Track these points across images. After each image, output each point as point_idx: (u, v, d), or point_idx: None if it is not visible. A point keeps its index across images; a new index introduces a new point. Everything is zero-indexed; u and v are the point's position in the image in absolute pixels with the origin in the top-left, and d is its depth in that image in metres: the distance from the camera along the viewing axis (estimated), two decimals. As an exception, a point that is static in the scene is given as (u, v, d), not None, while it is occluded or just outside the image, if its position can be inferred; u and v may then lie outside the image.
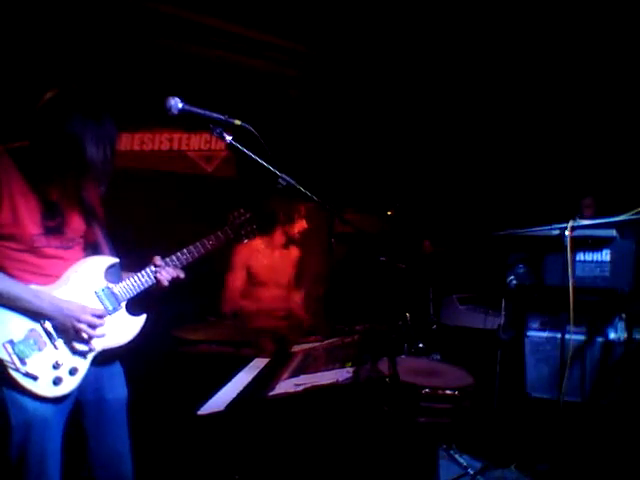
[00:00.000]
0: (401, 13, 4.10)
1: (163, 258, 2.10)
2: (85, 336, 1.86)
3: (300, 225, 3.61)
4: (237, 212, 2.30)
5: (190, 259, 2.12)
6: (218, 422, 2.28)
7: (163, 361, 3.00)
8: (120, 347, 1.98)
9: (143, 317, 2.04)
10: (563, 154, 4.38)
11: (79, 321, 1.84)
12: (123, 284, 2.01)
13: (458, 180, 4.89)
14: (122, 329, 1.99)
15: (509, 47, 4.20)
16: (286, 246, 3.69)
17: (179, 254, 2.11)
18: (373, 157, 5.10)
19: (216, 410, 2.21)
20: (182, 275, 2.08)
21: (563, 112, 4.34)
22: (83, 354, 1.89)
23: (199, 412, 2.22)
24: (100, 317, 1.91)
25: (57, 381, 1.81)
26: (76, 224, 1.97)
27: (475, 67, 4.47)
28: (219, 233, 2.20)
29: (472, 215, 4.61)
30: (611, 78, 4.04)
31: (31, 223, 1.82)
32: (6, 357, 1.73)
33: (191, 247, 2.13)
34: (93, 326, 1.87)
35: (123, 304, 2.01)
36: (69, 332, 1.85)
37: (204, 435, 2.52)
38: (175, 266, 2.09)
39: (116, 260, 2.04)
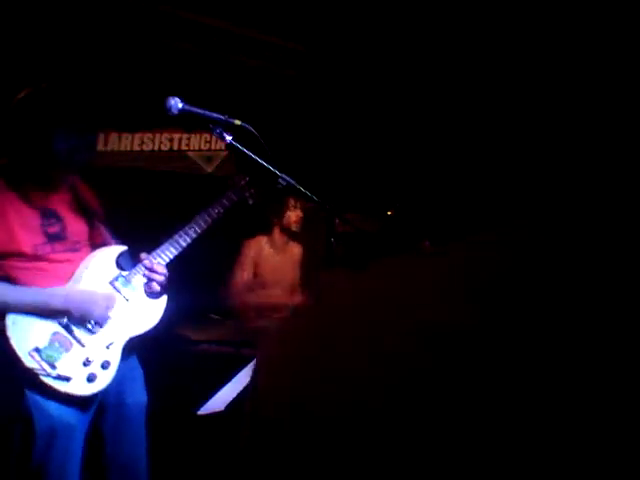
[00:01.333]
0: (401, 12, 4.10)
1: (171, 236, 2.07)
2: (102, 321, 1.86)
3: (295, 215, 3.57)
4: (236, 177, 2.28)
5: (199, 231, 2.09)
6: (218, 422, 2.28)
7: (163, 361, 3.00)
8: (146, 333, 1.97)
9: (164, 298, 2.03)
10: (563, 154, 4.38)
11: (96, 305, 1.84)
12: (136, 270, 2.00)
13: (458, 180, 4.88)
14: (145, 314, 1.98)
15: (509, 47, 4.20)
16: (287, 243, 3.66)
17: (187, 228, 2.08)
18: (373, 157, 5.09)
19: (216, 410, 2.21)
20: (167, 273, 2.05)
21: (562, 112, 4.34)
22: (112, 346, 1.88)
23: (199, 412, 2.22)
24: (112, 299, 1.91)
25: (91, 378, 1.80)
26: (77, 226, 1.97)
27: (475, 66, 4.46)
28: (223, 200, 2.18)
29: (472, 215, 4.61)
30: (611, 78, 4.04)
31: (31, 234, 1.82)
32: (35, 365, 1.71)
33: (197, 219, 2.10)
34: (108, 308, 1.87)
35: (141, 289, 2.00)
36: (89, 320, 1.85)
37: (204, 435, 2.52)
38: (177, 246, 2.06)
39: (124, 247, 2.02)
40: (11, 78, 3.53)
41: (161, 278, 2.00)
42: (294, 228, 3.59)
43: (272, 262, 3.58)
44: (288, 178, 1.83)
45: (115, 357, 1.88)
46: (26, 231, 1.82)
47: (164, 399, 2.81)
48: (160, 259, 2.02)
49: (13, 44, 3.60)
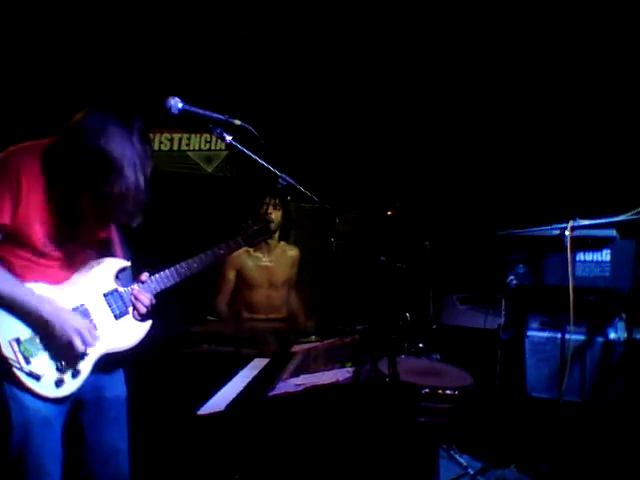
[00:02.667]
0: (400, 11, 4.10)
1: (177, 263, 2.07)
2: (76, 351, 1.81)
3: (275, 215, 3.48)
4: (250, 221, 2.30)
5: (201, 267, 2.11)
6: (218, 422, 2.29)
7: (163, 361, 3.00)
8: (123, 351, 1.97)
9: (148, 323, 2.03)
10: (563, 154, 4.38)
11: (78, 334, 1.79)
12: (131, 289, 2.00)
13: (458, 180, 4.89)
14: (127, 333, 1.98)
15: (509, 46, 4.20)
16: (270, 243, 3.62)
17: (190, 261, 2.10)
18: (373, 157, 5.10)
19: (216, 410, 2.21)
20: (153, 301, 2.04)
21: (562, 112, 4.34)
22: (87, 357, 1.87)
23: (199, 412, 2.22)
24: (95, 338, 1.86)
25: (59, 383, 1.80)
26: (91, 228, 1.95)
27: (474, 67, 4.46)
28: (231, 242, 2.20)
29: (472, 215, 4.61)
30: (611, 78, 4.04)
31: (45, 225, 1.80)
32: (11, 355, 1.72)
33: (202, 255, 2.12)
34: (85, 344, 1.81)
35: (130, 309, 2.00)
36: (61, 341, 1.79)
37: (204, 435, 2.52)
38: (172, 278, 2.06)
39: (127, 263, 2.02)
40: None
41: (143, 309, 2.00)
42: (274, 228, 3.56)
43: (256, 263, 3.57)
44: (288, 178, 1.83)
45: (86, 368, 1.87)
46: (42, 221, 1.79)
47: (164, 399, 2.82)
48: (156, 285, 2.03)
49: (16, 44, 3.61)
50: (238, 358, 2.73)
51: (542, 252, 3.02)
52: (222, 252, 2.16)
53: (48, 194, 1.80)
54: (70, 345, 1.78)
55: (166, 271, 2.06)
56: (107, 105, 1.74)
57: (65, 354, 1.82)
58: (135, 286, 2.01)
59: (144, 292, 2.01)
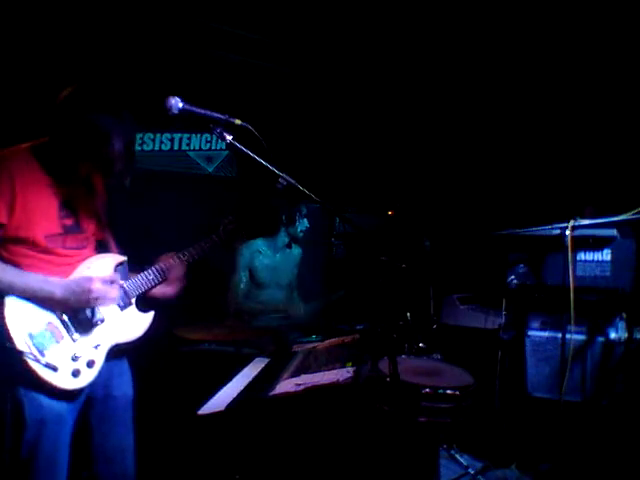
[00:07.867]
0: (400, 11, 4.10)
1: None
2: (103, 302, 1.89)
3: (302, 224, 3.62)
4: (227, 220, 2.32)
5: (190, 260, 2.16)
6: (218, 422, 2.29)
7: (163, 361, 3.01)
8: (131, 342, 2.02)
9: (151, 314, 2.09)
10: (563, 154, 4.38)
11: (91, 291, 1.85)
12: (132, 281, 2.05)
13: (458, 180, 4.89)
14: (132, 325, 2.03)
15: (509, 46, 4.20)
16: (289, 246, 3.70)
17: (180, 255, 2.14)
18: (373, 157, 5.10)
19: (216, 410, 2.22)
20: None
21: (563, 112, 4.34)
22: (99, 347, 1.92)
23: (199, 412, 2.23)
24: (111, 282, 1.92)
25: (76, 373, 1.83)
26: (90, 223, 2.00)
27: (475, 66, 4.46)
28: (213, 236, 2.23)
29: (472, 215, 4.61)
30: (611, 78, 4.04)
31: (47, 223, 1.85)
32: (25, 349, 1.74)
33: (191, 249, 2.17)
34: (107, 291, 1.89)
35: (133, 300, 2.05)
36: (88, 305, 1.87)
37: (204, 435, 2.52)
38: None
39: (124, 258, 2.08)
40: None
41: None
42: (300, 235, 3.63)
43: (269, 263, 3.59)
44: (288, 178, 1.83)
45: (100, 358, 1.91)
46: (44, 219, 1.84)
47: (164, 399, 2.82)
48: (154, 277, 2.09)
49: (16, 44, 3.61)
50: (238, 358, 2.73)
51: (543, 252, 3.01)
52: (207, 245, 2.20)
53: (46, 189, 1.85)
54: (99, 301, 1.87)
55: (152, 268, 2.11)
56: (93, 81, 1.87)
57: (90, 335, 1.90)
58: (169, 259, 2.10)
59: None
